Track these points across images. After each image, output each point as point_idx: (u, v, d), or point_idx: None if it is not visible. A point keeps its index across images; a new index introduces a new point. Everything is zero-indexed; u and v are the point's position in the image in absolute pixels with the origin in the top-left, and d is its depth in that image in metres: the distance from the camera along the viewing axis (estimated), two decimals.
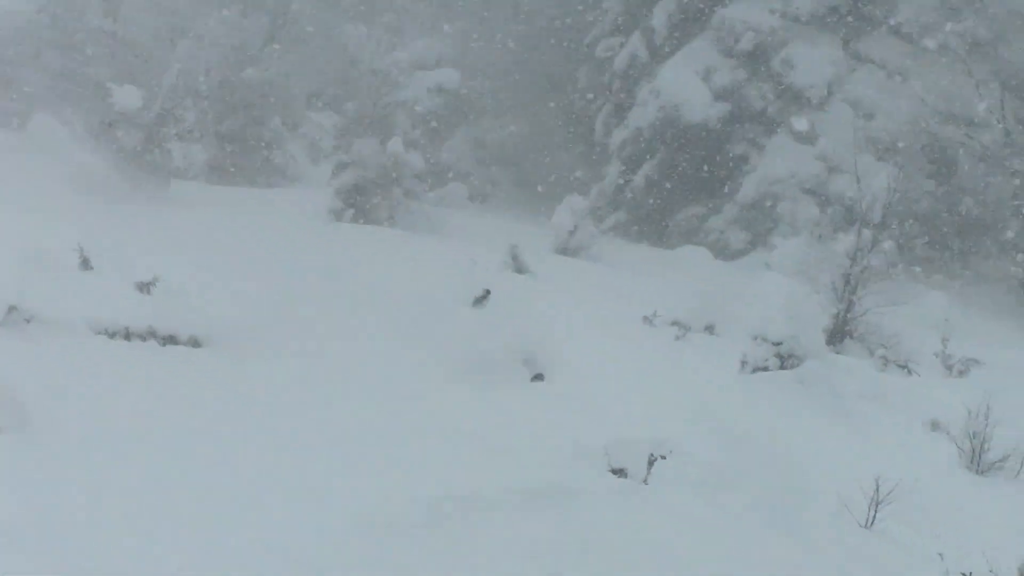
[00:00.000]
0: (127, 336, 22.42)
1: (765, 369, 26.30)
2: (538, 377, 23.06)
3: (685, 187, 48.58)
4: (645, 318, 28.82)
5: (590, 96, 54.41)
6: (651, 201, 48.16)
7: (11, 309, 20.68)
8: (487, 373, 22.30)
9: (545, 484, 17.06)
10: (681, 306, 30.27)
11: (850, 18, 49.63)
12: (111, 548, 13.08)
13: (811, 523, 17.93)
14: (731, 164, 48.33)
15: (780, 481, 19.49)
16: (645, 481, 18.39)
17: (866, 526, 17.88)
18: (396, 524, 14.65)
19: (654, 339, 27.48)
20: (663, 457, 18.66)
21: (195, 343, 22.82)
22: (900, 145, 46.86)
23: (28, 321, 20.84)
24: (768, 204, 45.73)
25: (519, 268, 31.10)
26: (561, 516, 15.96)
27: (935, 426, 24.74)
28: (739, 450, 20.46)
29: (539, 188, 50.51)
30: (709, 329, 30.12)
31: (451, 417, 19.75)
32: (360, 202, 39.53)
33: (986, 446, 22.73)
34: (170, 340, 22.66)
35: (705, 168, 48.63)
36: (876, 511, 17.95)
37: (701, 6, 50.63)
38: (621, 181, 49.41)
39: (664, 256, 42.45)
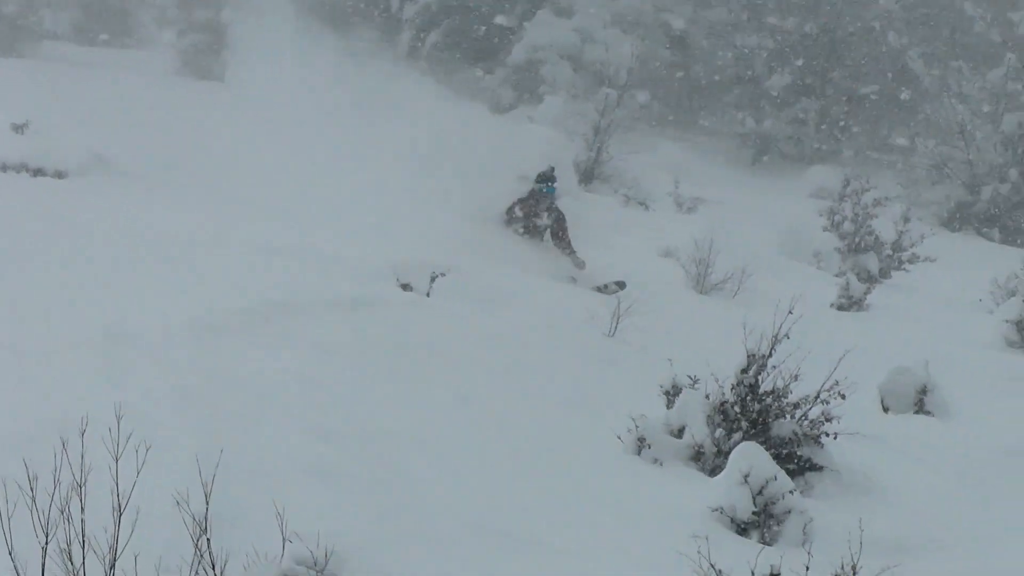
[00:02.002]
0: (3, 168, 23.28)
1: None
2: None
3: (465, 52, 48.75)
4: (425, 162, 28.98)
5: None
6: (437, 64, 48.28)
7: None
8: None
9: (347, 296, 17.43)
10: (464, 151, 30.41)
11: None
12: None
13: (569, 332, 18.33)
14: (503, 33, 48.55)
15: (544, 298, 20.05)
16: (428, 294, 19.04)
17: (610, 334, 18.39)
18: (222, 325, 14.90)
19: (440, 180, 27.65)
20: (443, 275, 19.48)
21: (59, 175, 23.66)
22: (643, 21, 47.44)
23: None
24: (533, 68, 46.05)
25: None
26: (360, 320, 16.47)
27: (667, 253, 25.59)
28: (507, 273, 20.78)
29: None
30: (487, 165, 30.39)
31: (272, 241, 20.11)
32: (197, 62, 39.53)
33: (709, 271, 23.67)
34: (39, 172, 23.51)
35: (482, 36, 48.76)
36: (618, 323, 18.44)
37: None
38: (413, 46, 49.30)
39: (445, 107, 42.25)
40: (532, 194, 23.29)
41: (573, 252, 23.00)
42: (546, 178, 23.29)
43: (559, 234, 23.18)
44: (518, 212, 23.33)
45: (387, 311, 17.28)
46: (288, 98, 29.56)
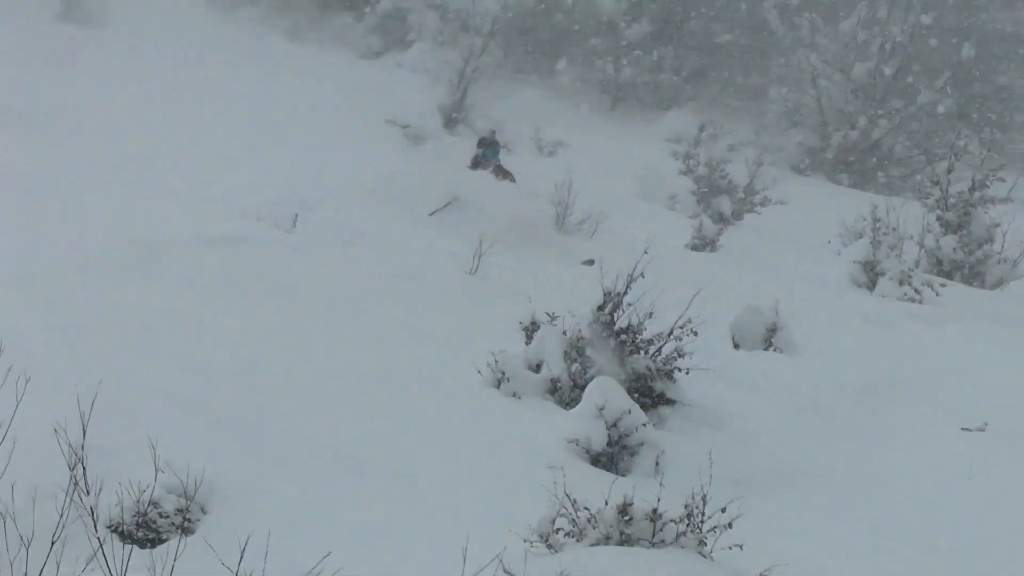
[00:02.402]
0: None
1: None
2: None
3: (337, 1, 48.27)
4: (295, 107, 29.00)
5: None
6: (308, 12, 47.73)
7: None
8: None
9: (219, 235, 17.44)
10: (334, 100, 30.41)
11: None
12: None
13: (432, 270, 18.27)
14: None
15: (408, 238, 19.91)
16: (290, 232, 18.98)
17: (472, 273, 18.37)
18: (100, 263, 14.92)
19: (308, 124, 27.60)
20: (308, 215, 19.42)
21: None
22: None
23: None
24: (401, 15, 45.70)
25: None
26: (231, 258, 16.43)
27: (529, 194, 25.56)
28: (373, 215, 20.68)
29: None
30: (355, 110, 30.43)
31: (146, 183, 20.04)
32: (79, 7, 38.86)
33: (568, 212, 23.71)
34: None
35: None
36: (479, 261, 18.41)
37: None
38: None
39: (316, 56, 42.21)
40: (475, 160, 23.61)
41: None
42: (488, 143, 23.32)
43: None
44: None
45: (256, 249, 17.25)
46: (167, 51, 29.34)
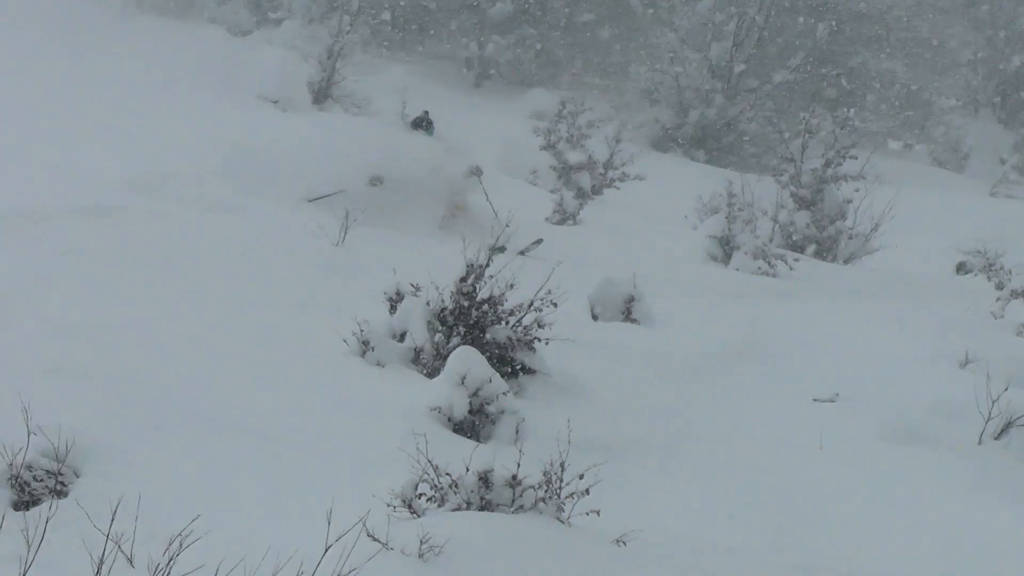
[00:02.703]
0: None
1: None
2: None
3: None
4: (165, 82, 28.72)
5: None
6: None
7: None
8: None
9: (90, 204, 17.33)
10: (203, 72, 30.12)
11: None
12: None
13: (300, 241, 18.05)
14: None
15: (276, 210, 19.92)
16: (159, 203, 18.72)
17: (339, 244, 18.17)
18: None
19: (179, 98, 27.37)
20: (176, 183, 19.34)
21: None
22: None
23: None
24: None
25: None
26: (102, 227, 16.35)
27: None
28: (244, 188, 20.58)
29: None
30: (224, 85, 30.16)
31: (27, 155, 19.84)
32: None
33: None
34: None
35: None
36: (346, 234, 18.14)
37: None
38: None
39: (189, 31, 41.69)
40: None
41: None
42: (421, 122, 22.91)
43: None
44: None
45: (127, 219, 17.14)
46: (32, 29, 28.87)
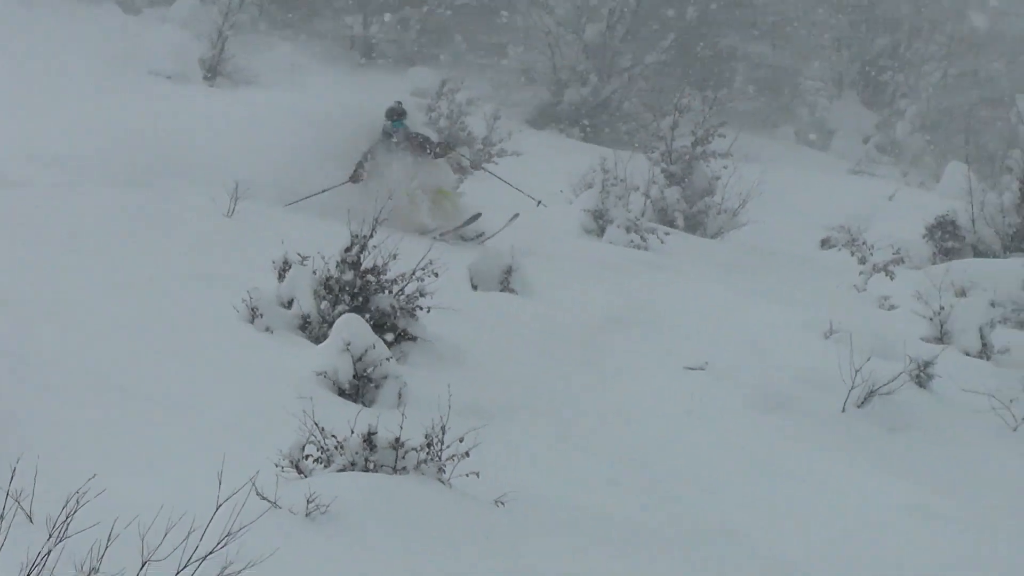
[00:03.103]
0: None
1: None
2: None
3: None
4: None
5: None
6: None
7: None
8: None
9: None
10: (99, 54, 29.71)
11: None
12: None
13: (190, 212, 17.96)
14: None
15: (168, 181, 19.69)
16: (54, 177, 18.47)
17: (229, 215, 18.01)
18: None
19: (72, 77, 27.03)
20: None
21: None
22: None
23: None
24: None
25: None
26: (9, 198, 16.25)
27: None
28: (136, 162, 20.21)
29: None
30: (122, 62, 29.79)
31: None
32: None
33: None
34: None
35: None
36: (235, 205, 17.98)
37: None
38: None
39: (82, 10, 41.11)
40: (384, 135, 20.68)
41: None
42: (394, 113, 20.61)
43: (437, 151, 21.11)
44: (365, 166, 20.43)
45: (27, 192, 17.08)
46: None
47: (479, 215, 20.31)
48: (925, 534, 11.37)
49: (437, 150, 20.83)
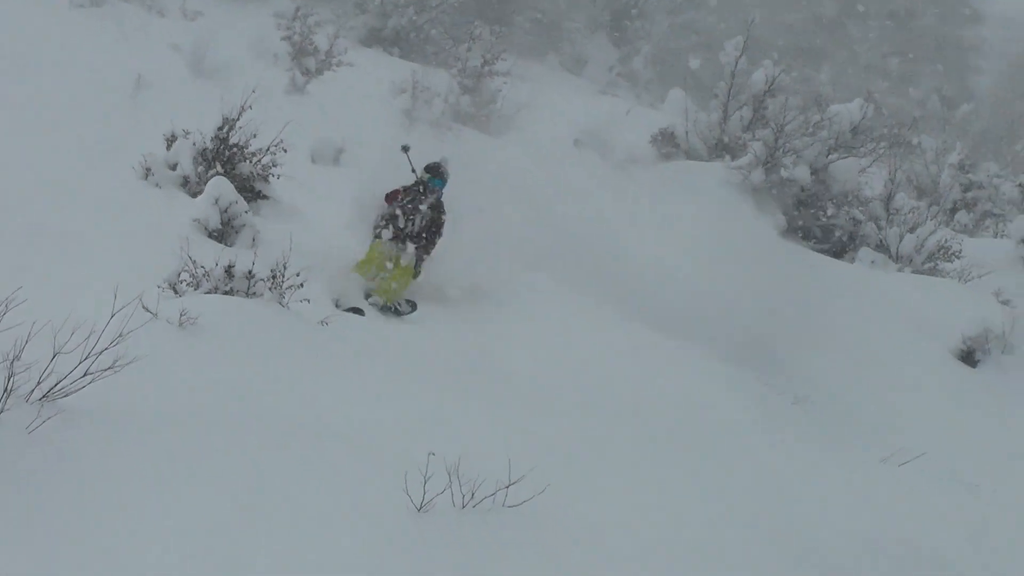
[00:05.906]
0: None
1: None
2: None
3: None
4: None
5: None
6: None
7: None
8: None
9: None
10: None
11: None
12: None
13: (96, 94, 17.44)
14: None
15: (75, 68, 19.04)
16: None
17: (133, 98, 17.68)
18: None
19: None
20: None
21: None
22: None
23: None
24: None
25: None
26: None
27: (175, 48, 24.54)
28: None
29: None
30: None
31: None
32: None
33: (202, 62, 22.83)
34: None
35: None
36: (138, 93, 17.81)
37: None
38: None
39: None
40: (417, 183, 12.54)
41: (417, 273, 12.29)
42: (438, 171, 12.54)
43: (425, 239, 12.32)
44: (398, 212, 12.34)
45: None
46: None
47: (416, 308, 12.01)
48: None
49: (433, 242, 12.50)
